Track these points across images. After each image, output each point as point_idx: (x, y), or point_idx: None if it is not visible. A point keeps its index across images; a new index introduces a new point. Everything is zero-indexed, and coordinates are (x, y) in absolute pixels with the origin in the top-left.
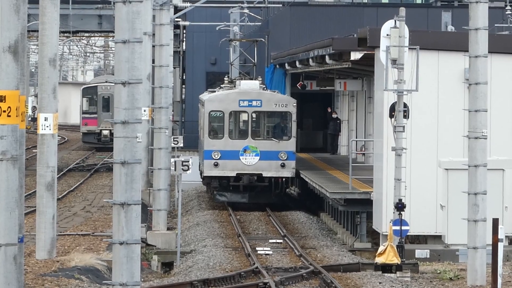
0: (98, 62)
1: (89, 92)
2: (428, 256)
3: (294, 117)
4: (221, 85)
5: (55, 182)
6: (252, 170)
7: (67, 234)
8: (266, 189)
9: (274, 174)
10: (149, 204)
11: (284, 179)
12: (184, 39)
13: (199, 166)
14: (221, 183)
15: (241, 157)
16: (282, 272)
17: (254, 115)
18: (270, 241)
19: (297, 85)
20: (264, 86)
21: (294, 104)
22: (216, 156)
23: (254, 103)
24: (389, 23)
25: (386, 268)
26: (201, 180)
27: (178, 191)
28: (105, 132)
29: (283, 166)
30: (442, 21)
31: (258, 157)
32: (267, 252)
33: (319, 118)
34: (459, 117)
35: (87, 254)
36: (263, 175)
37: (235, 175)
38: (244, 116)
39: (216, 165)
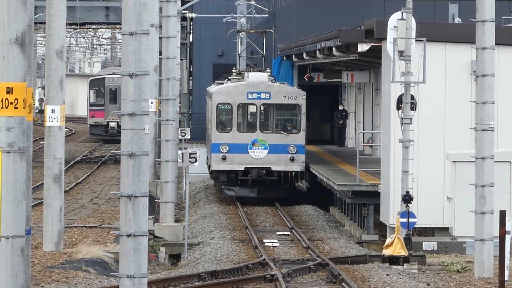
0: (105, 54)
1: (96, 84)
2: (435, 248)
3: (303, 109)
4: (229, 77)
5: (62, 174)
6: (261, 164)
7: (75, 226)
8: (275, 184)
9: (283, 168)
10: (157, 196)
11: (293, 173)
12: (191, 31)
13: (207, 159)
14: (229, 177)
15: (249, 151)
16: (290, 264)
17: (262, 108)
18: (278, 233)
19: (304, 77)
20: (273, 78)
21: (304, 97)
22: (224, 149)
23: (262, 95)
24: (396, 15)
25: (393, 260)
26: (209, 174)
27: (185, 183)
28: (112, 124)
29: (292, 159)
30: (449, 13)
31: (267, 151)
32: (274, 244)
33: (327, 110)
34: (466, 109)
35: (95, 246)
36: (272, 169)
37: (243, 169)
38: (252, 109)
39: (224, 158)
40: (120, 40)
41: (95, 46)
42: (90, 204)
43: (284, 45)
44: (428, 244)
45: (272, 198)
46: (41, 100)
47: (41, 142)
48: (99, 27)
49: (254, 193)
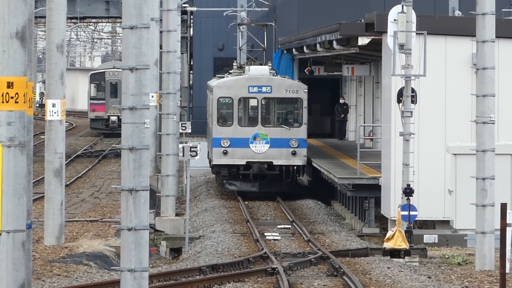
0: (105, 48)
1: (97, 78)
2: (436, 241)
3: (305, 103)
4: (230, 71)
5: (63, 168)
6: (262, 158)
7: (76, 220)
8: (276, 178)
9: (285, 162)
10: (158, 190)
11: (295, 167)
12: (192, 24)
13: (208, 154)
14: (231, 172)
15: (251, 145)
16: (291, 257)
17: (264, 102)
18: (279, 226)
19: (305, 70)
20: (275, 71)
21: (305, 90)
22: (225, 144)
23: (264, 89)
24: (397, 8)
25: (394, 253)
26: (210, 168)
27: (186, 177)
28: (113, 118)
29: (294, 154)
30: (449, 6)
31: (268, 145)
32: (275, 238)
33: (327, 104)
34: (467, 102)
35: (96, 240)
36: (274, 163)
37: (244, 163)
38: (253, 103)
39: (225, 153)
40: (120, 34)
41: (95, 40)
42: (91, 198)
43: (285, 39)
44: (429, 237)
45: (274, 192)
46: (41, 94)
47: (41, 136)
48: (100, 21)
49: (256, 188)
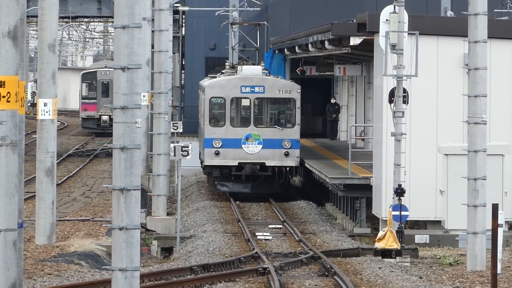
0: (97, 47)
1: (89, 78)
2: (427, 242)
3: (298, 103)
4: (222, 71)
5: (54, 167)
6: (255, 159)
7: (67, 220)
8: (269, 179)
9: (278, 163)
10: (149, 189)
11: (288, 168)
12: (183, 24)
13: (200, 155)
14: (223, 173)
15: (243, 146)
16: (282, 257)
17: (256, 102)
18: (270, 226)
19: (297, 70)
20: (267, 71)
21: (298, 90)
22: (217, 144)
23: (256, 89)
24: (389, 8)
25: (385, 253)
26: (202, 169)
27: (177, 177)
28: (105, 118)
29: (287, 154)
30: (441, 6)
31: (261, 146)
32: (266, 238)
33: (319, 104)
34: (459, 103)
35: (87, 239)
36: (266, 164)
37: (237, 164)
38: (246, 103)
39: (217, 153)
40: (112, 34)
41: (87, 40)
42: (82, 197)
43: (277, 39)
44: (421, 237)
45: (266, 194)
46: (33, 93)
47: (33, 136)
48: (92, 20)
49: (248, 189)
